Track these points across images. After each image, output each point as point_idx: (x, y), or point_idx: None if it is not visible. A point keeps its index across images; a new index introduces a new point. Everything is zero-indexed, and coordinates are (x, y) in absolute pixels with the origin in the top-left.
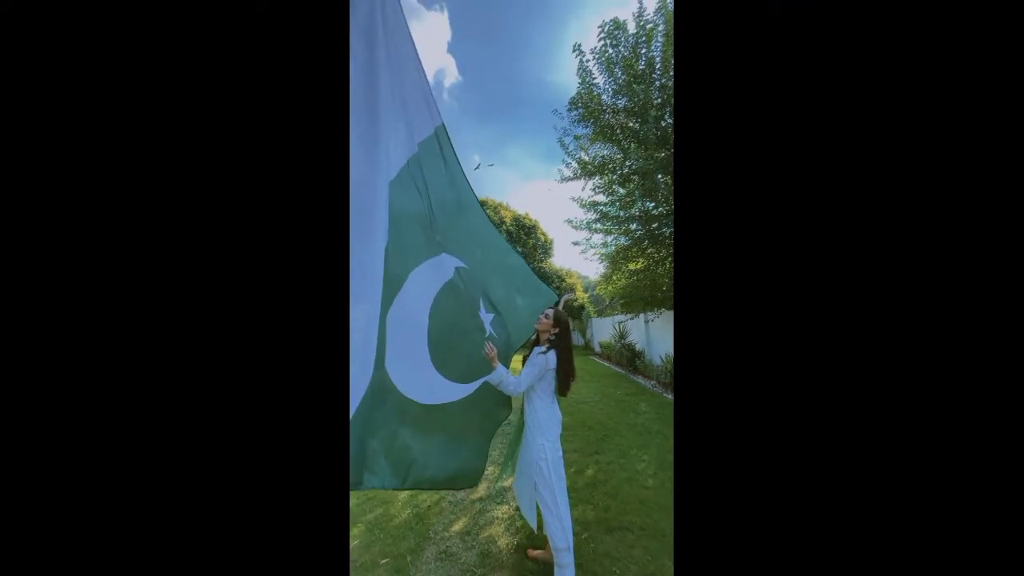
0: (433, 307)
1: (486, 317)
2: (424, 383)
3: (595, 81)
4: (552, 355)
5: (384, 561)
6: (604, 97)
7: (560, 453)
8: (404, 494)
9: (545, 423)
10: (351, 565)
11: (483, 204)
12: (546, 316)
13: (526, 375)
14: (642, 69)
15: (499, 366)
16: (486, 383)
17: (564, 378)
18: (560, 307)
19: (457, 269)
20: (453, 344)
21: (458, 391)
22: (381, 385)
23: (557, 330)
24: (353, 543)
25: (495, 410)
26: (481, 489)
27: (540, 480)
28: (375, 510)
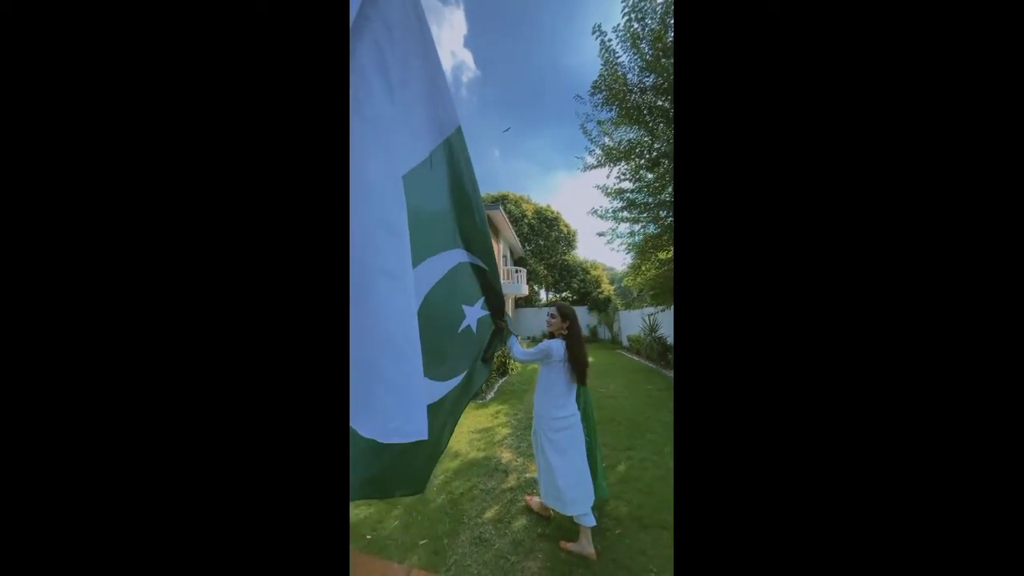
0: (424, 303)
1: (473, 312)
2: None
3: (619, 60)
4: (560, 344)
5: (423, 542)
6: (630, 76)
7: (551, 441)
8: (438, 480)
9: (545, 414)
10: (394, 543)
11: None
12: (552, 316)
13: (529, 351)
14: (671, 41)
15: (511, 336)
16: (466, 378)
17: (578, 367)
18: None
19: (463, 263)
20: (440, 342)
21: (438, 390)
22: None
23: (567, 323)
24: (393, 523)
25: (463, 399)
26: (511, 479)
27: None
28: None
